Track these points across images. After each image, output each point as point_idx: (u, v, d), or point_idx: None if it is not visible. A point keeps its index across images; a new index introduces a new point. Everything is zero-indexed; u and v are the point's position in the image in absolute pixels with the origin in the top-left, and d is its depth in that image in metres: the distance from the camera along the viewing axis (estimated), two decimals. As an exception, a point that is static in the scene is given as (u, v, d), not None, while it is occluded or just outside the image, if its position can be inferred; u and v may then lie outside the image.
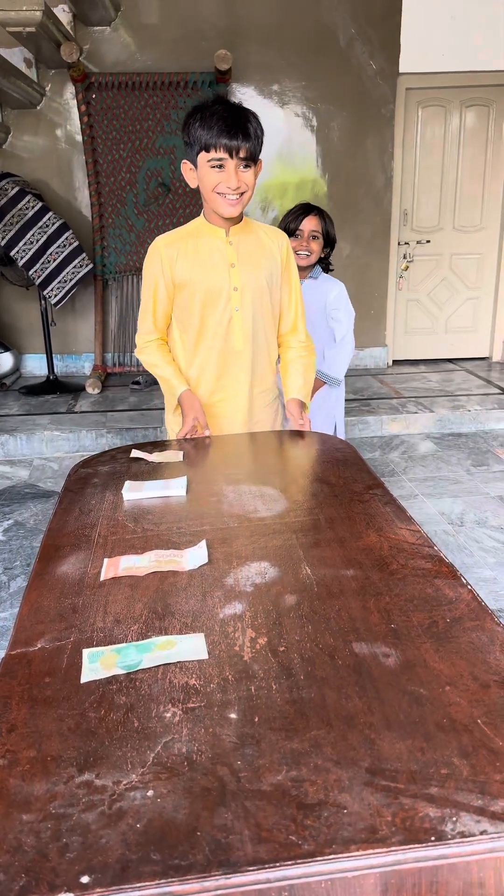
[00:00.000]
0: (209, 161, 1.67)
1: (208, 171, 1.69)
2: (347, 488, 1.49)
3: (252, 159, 1.69)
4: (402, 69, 4.88)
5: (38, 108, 4.72)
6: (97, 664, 0.93)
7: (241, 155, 1.66)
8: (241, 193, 1.72)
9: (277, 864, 0.63)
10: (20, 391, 4.76)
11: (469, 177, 5.22)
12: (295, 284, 1.97)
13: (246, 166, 1.69)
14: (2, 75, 3.83)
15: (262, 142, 1.69)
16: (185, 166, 1.75)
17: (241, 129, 1.63)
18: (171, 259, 1.82)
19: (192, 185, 1.77)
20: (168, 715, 0.83)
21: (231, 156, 1.65)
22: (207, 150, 1.66)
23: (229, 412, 1.96)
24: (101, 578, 1.15)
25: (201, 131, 1.64)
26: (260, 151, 1.70)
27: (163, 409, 2.26)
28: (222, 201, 1.72)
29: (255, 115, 1.69)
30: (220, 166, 1.67)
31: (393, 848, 0.65)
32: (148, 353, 1.94)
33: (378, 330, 5.43)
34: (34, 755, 0.77)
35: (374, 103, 4.92)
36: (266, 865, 0.63)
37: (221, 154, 1.65)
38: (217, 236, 1.82)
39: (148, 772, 0.74)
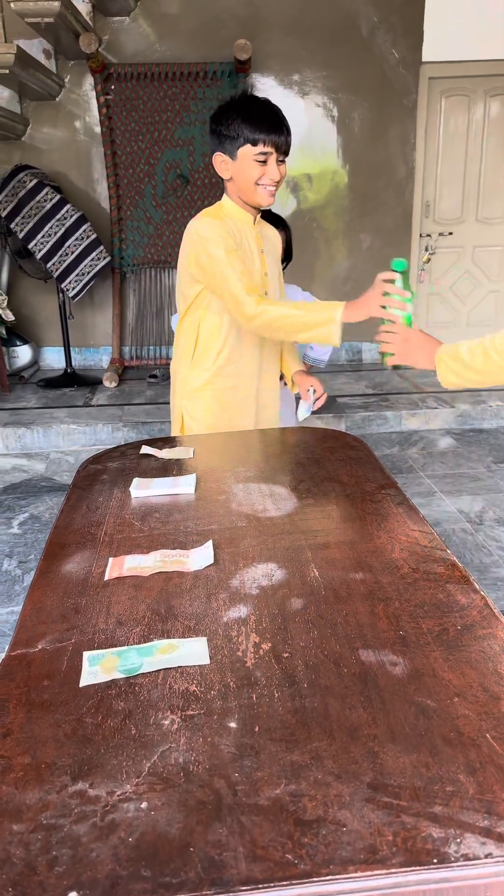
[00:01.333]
0: (255, 155, 1.72)
1: (252, 164, 1.73)
2: (359, 488, 1.45)
3: (288, 154, 1.78)
4: (424, 58, 4.79)
5: (57, 99, 4.70)
6: (97, 667, 0.91)
7: (283, 150, 1.74)
8: (277, 184, 1.80)
9: (272, 885, 0.61)
10: (38, 384, 4.77)
11: (493, 168, 5.13)
12: (280, 272, 2.04)
13: (282, 160, 1.77)
14: (21, 67, 3.82)
15: None
16: (219, 158, 1.77)
17: (284, 126, 1.73)
18: (229, 233, 1.75)
19: (226, 176, 1.79)
20: (166, 722, 0.80)
21: (276, 151, 1.73)
22: (255, 145, 1.71)
23: (247, 397, 1.95)
24: (106, 578, 1.13)
25: (245, 126, 1.70)
26: None
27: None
28: (263, 192, 1.78)
29: None
30: (265, 161, 1.73)
31: (393, 870, 0.62)
32: (269, 308, 1.68)
33: (398, 323, 5.36)
34: (28, 762, 0.76)
35: (396, 93, 4.84)
36: (260, 885, 0.61)
37: (269, 149, 1.71)
38: (247, 223, 1.86)
39: (143, 782, 0.72)
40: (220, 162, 1.77)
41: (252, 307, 1.68)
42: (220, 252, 1.71)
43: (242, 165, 1.74)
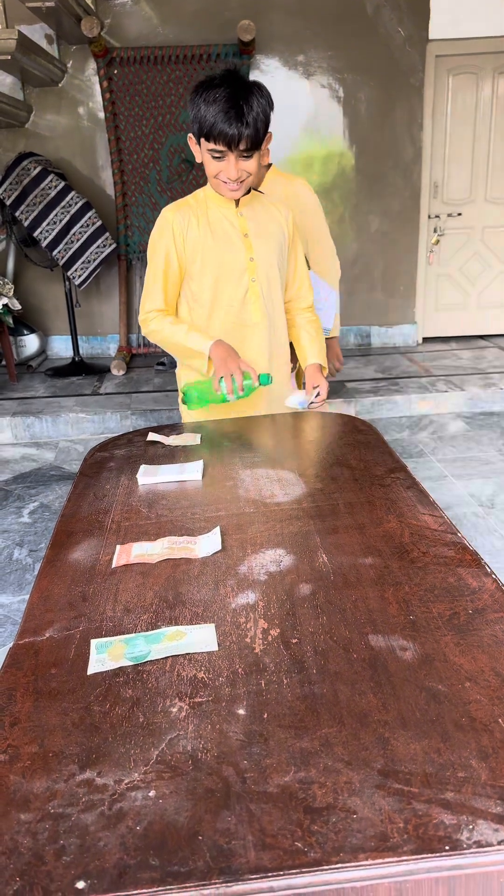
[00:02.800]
0: (209, 150, 1.64)
1: (209, 159, 1.67)
2: (368, 472, 1.44)
3: (254, 148, 1.64)
4: (431, 35, 4.71)
5: (60, 85, 4.66)
6: (105, 655, 0.91)
7: (241, 147, 1.61)
8: (242, 181, 1.69)
9: (281, 873, 0.60)
10: (46, 373, 4.76)
11: (502, 146, 5.05)
12: (300, 255, 1.96)
13: (247, 155, 1.64)
14: (23, 52, 3.78)
15: (267, 124, 1.63)
16: (191, 140, 1.71)
17: (241, 120, 1.57)
18: (182, 228, 1.76)
19: (198, 159, 1.72)
20: (174, 710, 0.80)
21: (230, 148, 1.61)
22: (207, 140, 1.62)
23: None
24: (113, 566, 1.12)
25: (202, 116, 1.59)
26: (265, 135, 1.64)
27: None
28: (223, 187, 1.72)
29: (261, 95, 1.61)
30: (220, 157, 1.64)
31: (404, 857, 0.61)
32: (156, 322, 1.82)
33: (407, 306, 5.32)
34: (36, 751, 0.75)
35: (402, 72, 4.77)
36: (269, 874, 0.60)
37: (221, 147, 1.61)
38: (227, 207, 1.78)
39: (151, 770, 0.71)
40: (193, 144, 1.71)
41: (143, 314, 1.84)
42: (155, 260, 1.80)
43: (203, 156, 1.68)
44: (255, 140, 1.61)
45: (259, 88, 1.62)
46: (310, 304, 2.02)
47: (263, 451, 1.62)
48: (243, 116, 1.56)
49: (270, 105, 1.64)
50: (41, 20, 4.11)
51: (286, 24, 4.62)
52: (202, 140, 1.64)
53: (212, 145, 1.62)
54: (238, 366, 1.71)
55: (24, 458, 3.73)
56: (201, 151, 1.68)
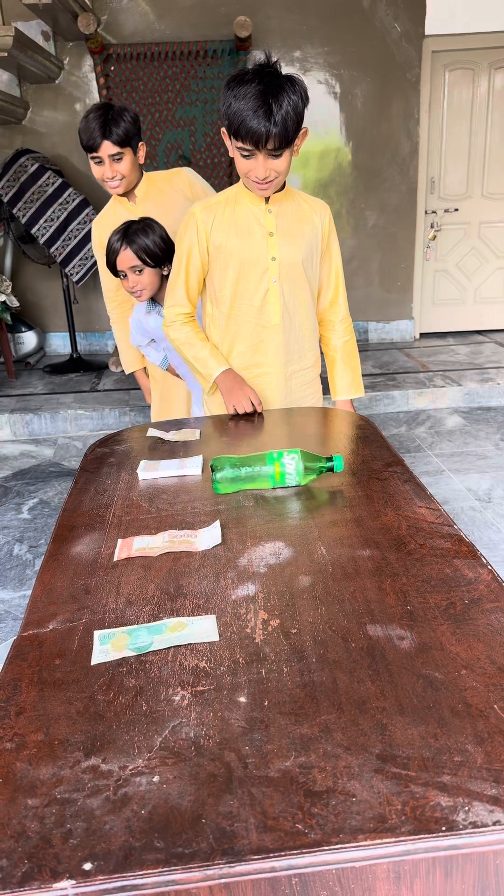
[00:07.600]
0: (238, 148, 1.60)
1: (238, 157, 1.63)
2: (366, 466, 1.45)
3: (283, 147, 1.58)
4: (427, 31, 4.72)
5: (57, 81, 4.66)
6: (108, 646, 0.92)
7: (269, 146, 1.56)
8: (271, 180, 1.65)
9: (282, 854, 0.62)
10: (44, 370, 4.77)
11: (498, 142, 5.06)
12: (336, 258, 1.90)
13: (276, 154, 1.59)
14: (19, 49, 3.78)
15: (299, 121, 1.57)
16: (224, 135, 1.64)
17: (269, 118, 1.51)
18: (206, 225, 1.75)
19: (230, 154, 1.67)
20: (177, 698, 0.81)
21: (258, 147, 1.56)
22: (236, 138, 1.57)
23: (263, 391, 1.90)
24: (115, 559, 1.14)
25: (231, 113, 1.54)
26: (295, 133, 1.58)
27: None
28: (253, 186, 1.68)
29: (293, 91, 1.54)
30: (248, 156, 1.60)
31: (402, 838, 0.63)
32: (178, 331, 1.86)
33: (404, 302, 5.34)
34: (42, 739, 0.77)
35: (398, 67, 4.78)
36: (271, 854, 0.62)
37: (248, 146, 1.57)
38: (256, 204, 1.75)
39: (154, 757, 0.73)
40: (225, 138, 1.64)
41: (167, 309, 1.86)
42: (181, 251, 1.82)
43: (234, 153, 1.64)
44: (285, 139, 1.55)
45: (292, 83, 1.55)
46: (345, 315, 1.97)
47: (262, 445, 1.63)
48: (272, 115, 1.50)
49: (304, 100, 1.57)
50: (38, 17, 4.11)
51: (282, 19, 4.62)
52: (231, 137, 1.60)
53: (240, 144, 1.57)
54: (246, 392, 1.80)
55: (22, 454, 3.74)
56: (232, 148, 1.64)
